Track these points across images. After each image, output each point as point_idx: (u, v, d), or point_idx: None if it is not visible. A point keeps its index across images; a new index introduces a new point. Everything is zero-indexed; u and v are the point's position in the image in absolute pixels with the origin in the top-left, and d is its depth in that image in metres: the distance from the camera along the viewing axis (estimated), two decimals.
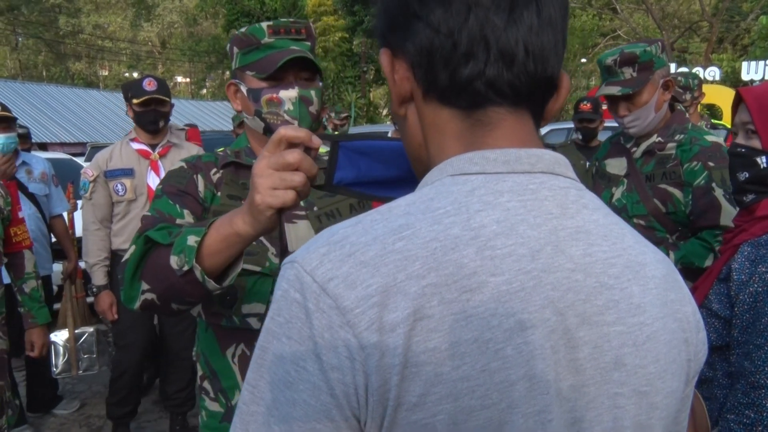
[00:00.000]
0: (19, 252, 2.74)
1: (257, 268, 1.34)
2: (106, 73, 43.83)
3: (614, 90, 2.21)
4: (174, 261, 1.09)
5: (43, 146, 13.01)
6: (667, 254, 2.20)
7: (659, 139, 2.28)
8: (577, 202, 0.63)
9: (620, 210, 2.32)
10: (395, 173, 0.92)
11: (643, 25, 25.29)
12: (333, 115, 6.67)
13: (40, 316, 2.72)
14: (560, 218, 0.61)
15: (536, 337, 0.56)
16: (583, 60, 25.95)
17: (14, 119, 3.89)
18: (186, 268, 1.08)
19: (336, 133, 6.32)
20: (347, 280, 0.55)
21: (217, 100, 30.20)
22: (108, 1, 40.53)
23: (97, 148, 10.06)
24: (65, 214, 4.11)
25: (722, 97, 11.68)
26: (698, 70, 15.68)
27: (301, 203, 1.40)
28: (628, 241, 0.65)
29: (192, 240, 1.08)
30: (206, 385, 1.44)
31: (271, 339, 0.58)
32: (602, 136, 4.13)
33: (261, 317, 1.34)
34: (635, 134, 2.30)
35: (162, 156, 3.32)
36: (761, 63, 15.71)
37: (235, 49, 1.45)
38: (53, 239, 4.08)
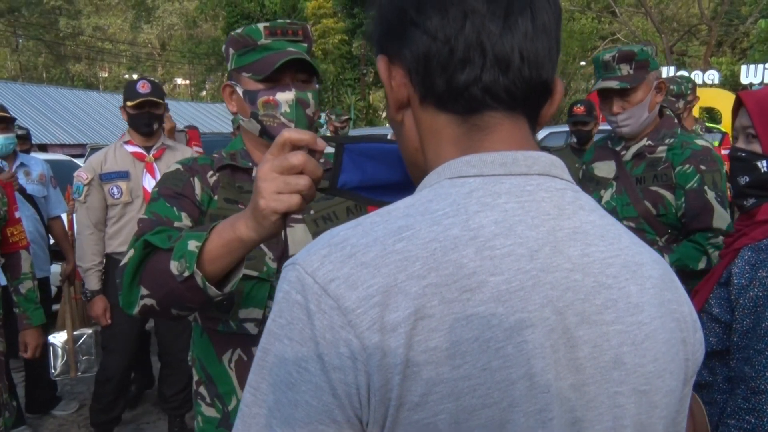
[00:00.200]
0: (16, 252, 2.73)
1: (255, 273, 1.33)
2: (106, 75, 43.83)
3: (613, 84, 2.22)
4: (174, 266, 1.07)
5: (43, 147, 13.03)
6: (662, 256, 2.21)
7: (649, 142, 2.29)
8: (573, 203, 0.64)
9: (610, 212, 2.32)
10: (401, 177, 0.91)
11: (642, 29, 25.33)
12: (333, 117, 6.67)
13: (35, 318, 2.70)
14: (557, 219, 0.62)
15: (536, 336, 0.57)
16: (583, 63, 25.95)
17: (12, 120, 3.89)
18: (187, 274, 1.05)
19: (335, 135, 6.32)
20: (348, 280, 0.56)
21: (216, 102, 30.15)
22: (108, 3, 40.55)
23: (96, 149, 10.03)
24: (64, 216, 4.11)
25: (721, 101, 11.69)
26: (697, 74, 15.71)
27: None
28: (624, 242, 0.66)
29: (193, 245, 1.06)
30: (202, 390, 1.42)
31: (272, 340, 0.58)
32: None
33: (258, 322, 1.33)
34: (627, 134, 2.30)
35: (157, 158, 3.31)
36: (760, 66, 15.72)
37: (231, 50, 1.43)
38: (51, 241, 4.08)
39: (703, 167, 2.18)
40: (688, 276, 2.05)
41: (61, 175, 5.02)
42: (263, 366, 0.59)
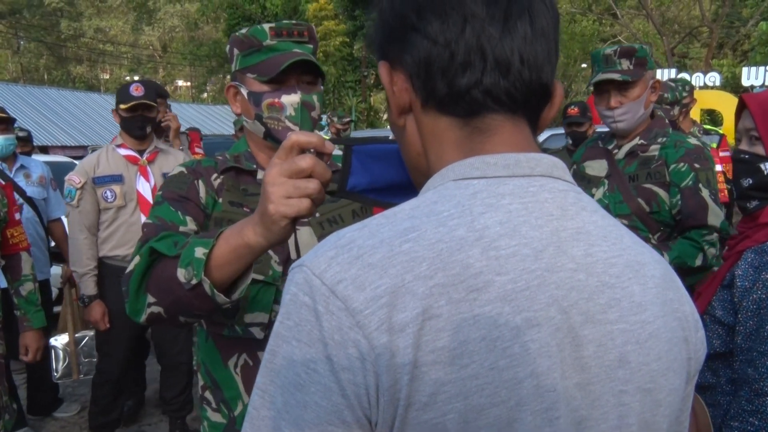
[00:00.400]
0: (16, 254, 2.72)
1: (260, 277, 1.31)
2: (107, 77, 43.88)
3: (615, 75, 2.24)
4: (181, 274, 1.05)
5: (45, 149, 13.04)
6: (661, 254, 2.23)
7: (642, 141, 2.33)
8: (576, 204, 0.65)
9: None
10: (408, 177, 0.89)
11: (644, 31, 25.32)
12: (336, 119, 6.68)
13: (35, 320, 2.69)
14: (561, 219, 0.63)
15: (542, 335, 0.58)
16: (584, 65, 25.94)
17: (12, 120, 3.87)
18: (194, 281, 1.03)
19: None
20: (356, 282, 0.56)
21: (217, 104, 30.20)
22: (109, 5, 40.59)
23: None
24: (64, 218, 4.10)
25: (723, 103, 11.69)
26: (698, 76, 15.73)
27: None
28: (626, 242, 0.67)
29: (200, 252, 1.03)
30: (208, 395, 1.41)
31: (280, 342, 0.58)
32: None
33: (264, 326, 1.31)
34: (622, 129, 2.32)
35: (150, 162, 3.30)
36: (761, 68, 15.74)
37: (236, 51, 1.41)
38: (51, 243, 4.07)
39: (697, 165, 2.23)
40: (684, 273, 2.09)
41: (62, 177, 5.00)
42: (271, 368, 0.59)
